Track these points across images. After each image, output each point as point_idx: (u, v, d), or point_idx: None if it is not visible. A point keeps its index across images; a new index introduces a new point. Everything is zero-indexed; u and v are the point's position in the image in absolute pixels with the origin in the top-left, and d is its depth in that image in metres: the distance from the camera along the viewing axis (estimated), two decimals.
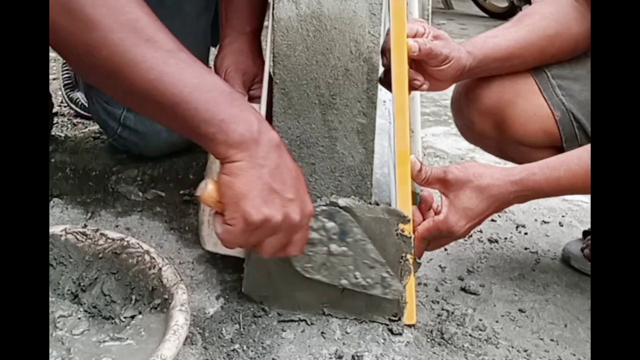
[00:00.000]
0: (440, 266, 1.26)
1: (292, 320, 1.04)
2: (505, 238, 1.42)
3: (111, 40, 0.73)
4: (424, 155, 1.87)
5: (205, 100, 0.77)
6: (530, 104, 1.15)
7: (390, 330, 1.03)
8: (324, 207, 0.98)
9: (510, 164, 1.21)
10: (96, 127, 1.77)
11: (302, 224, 0.85)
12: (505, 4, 5.06)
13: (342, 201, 1.00)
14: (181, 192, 1.44)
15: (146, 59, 0.74)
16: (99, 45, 0.73)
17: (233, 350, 0.98)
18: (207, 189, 0.82)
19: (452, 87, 1.18)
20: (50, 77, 2.11)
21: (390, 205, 1.04)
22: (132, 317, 0.92)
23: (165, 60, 0.75)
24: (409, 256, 1.01)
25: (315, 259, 1.00)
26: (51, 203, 1.33)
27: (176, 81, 0.75)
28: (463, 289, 1.19)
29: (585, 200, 1.63)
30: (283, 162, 0.82)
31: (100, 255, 0.97)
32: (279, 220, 0.81)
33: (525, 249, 1.38)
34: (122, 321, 0.92)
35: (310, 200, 0.88)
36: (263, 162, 0.79)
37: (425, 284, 1.19)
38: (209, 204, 0.83)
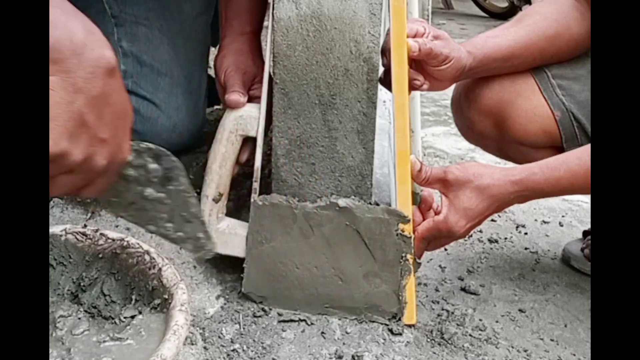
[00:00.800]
0: (440, 266, 1.26)
1: (292, 320, 1.04)
2: (505, 238, 1.42)
3: None
4: (424, 155, 1.87)
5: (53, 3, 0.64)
6: (530, 103, 1.15)
7: (390, 330, 1.03)
8: (151, 147, 0.85)
9: (510, 164, 1.21)
10: None
11: (107, 169, 0.73)
12: (505, 4, 5.06)
13: (342, 202, 1.00)
14: None
15: None
16: None
17: (233, 350, 0.98)
18: None
19: (452, 87, 1.18)
20: None
21: (390, 205, 1.04)
22: (132, 317, 0.92)
23: None
24: (409, 256, 1.01)
25: (126, 195, 0.85)
26: (51, 203, 1.33)
27: None
28: (463, 289, 1.19)
29: (585, 200, 1.63)
30: (109, 92, 0.69)
31: (100, 255, 0.97)
32: (77, 160, 0.68)
33: (525, 249, 1.38)
34: (122, 321, 0.92)
35: (129, 146, 0.76)
36: (82, 85, 0.66)
37: (425, 284, 1.19)
38: None
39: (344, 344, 1.01)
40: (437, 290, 1.18)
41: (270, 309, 1.06)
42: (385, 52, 1.00)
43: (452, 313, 1.10)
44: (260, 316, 1.05)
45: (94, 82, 0.67)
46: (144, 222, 0.88)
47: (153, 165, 0.85)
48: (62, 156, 0.67)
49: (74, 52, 0.66)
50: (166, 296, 0.90)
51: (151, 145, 0.84)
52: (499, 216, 1.51)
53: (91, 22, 0.69)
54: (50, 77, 0.65)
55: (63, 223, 1.27)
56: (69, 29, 0.66)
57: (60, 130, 0.66)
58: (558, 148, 1.15)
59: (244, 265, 1.06)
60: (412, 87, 1.03)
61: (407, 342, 1.02)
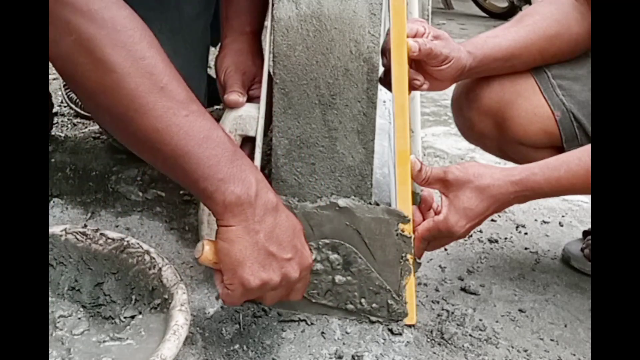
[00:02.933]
0: (440, 266, 1.26)
1: (292, 320, 1.04)
2: (505, 238, 1.42)
3: (127, 84, 0.73)
4: (424, 155, 1.87)
5: (208, 156, 0.77)
6: (530, 104, 1.15)
7: (390, 330, 1.03)
8: (327, 241, 1.00)
9: (510, 164, 1.21)
10: (96, 127, 1.77)
11: (301, 277, 0.87)
12: (505, 4, 5.06)
13: (342, 202, 1.00)
14: (181, 192, 1.43)
15: (157, 107, 0.74)
16: (114, 88, 0.73)
17: (233, 350, 0.98)
18: (204, 252, 0.84)
19: (452, 87, 1.18)
20: (50, 77, 2.11)
21: (390, 205, 1.04)
22: (132, 317, 0.92)
23: (176, 111, 0.76)
24: (409, 256, 1.01)
25: (321, 286, 1.03)
26: (51, 203, 1.33)
27: (184, 133, 0.76)
28: (463, 289, 1.19)
29: (585, 200, 1.63)
30: (279, 223, 0.83)
31: (100, 255, 0.97)
32: (277, 282, 0.84)
33: (525, 249, 1.38)
34: (122, 321, 0.92)
35: (309, 252, 0.89)
36: (258, 227, 0.81)
37: (425, 284, 1.19)
38: (208, 265, 0.85)
39: (344, 344, 1.00)
40: (437, 290, 1.18)
41: (270, 309, 1.06)
42: (385, 52, 1.00)
43: (452, 313, 1.10)
44: (260, 316, 1.05)
45: (267, 221, 0.82)
46: (343, 303, 1.04)
47: (334, 256, 1.01)
48: (265, 284, 0.83)
49: (250, 203, 0.80)
50: (166, 296, 0.90)
51: (327, 240, 1.01)
52: (499, 216, 1.51)
53: (258, 171, 0.83)
54: (235, 227, 0.80)
55: (63, 223, 1.27)
56: (247, 185, 0.80)
57: (256, 267, 0.81)
58: (558, 148, 1.15)
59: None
60: (412, 87, 1.03)
61: (407, 342, 1.02)
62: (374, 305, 1.03)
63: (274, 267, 0.83)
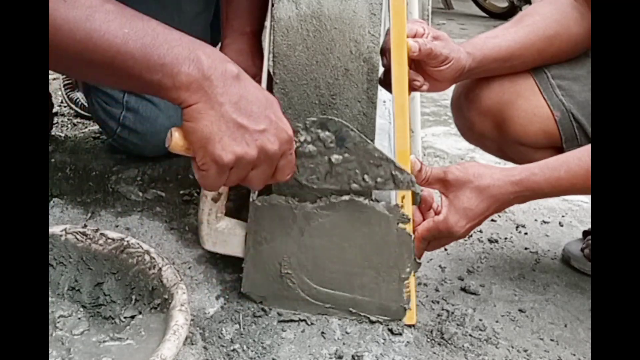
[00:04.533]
0: (440, 266, 1.26)
1: (292, 320, 1.04)
2: (505, 238, 1.42)
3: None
4: (424, 155, 1.88)
5: (140, 47, 0.73)
6: (530, 104, 1.15)
7: (390, 330, 1.03)
8: (314, 119, 0.96)
9: (510, 164, 1.21)
10: (96, 127, 1.77)
11: (282, 150, 0.82)
12: (505, 4, 5.06)
13: (343, 197, 1.00)
14: (181, 192, 1.44)
15: (68, 20, 0.71)
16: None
17: (233, 350, 0.98)
18: (174, 138, 0.79)
19: (452, 87, 1.18)
20: (50, 77, 2.11)
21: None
22: (132, 317, 0.92)
23: (88, 17, 0.71)
24: (409, 253, 1.01)
25: (319, 169, 0.98)
26: (51, 203, 1.33)
27: (104, 35, 0.72)
28: (463, 289, 1.19)
29: (585, 200, 1.63)
30: (245, 93, 0.78)
31: (100, 255, 0.97)
32: (254, 155, 0.78)
33: (525, 249, 1.38)
34: (122, 321, 0.92)
35: (289, 122, 0.84)
36: (221, 99, 0.75)
37: (425, 284, 1.19)
38: (179, 151, 0.80)
39: (344, 344, 1.01)
40: (437, 290, 1.18)
41: (270, 309, 1.06)
42: (385, 52, 1.00)
43: (452, 313, 1.10)
44: (260, 316, 1.05)
45: (230, 92, 0.76)
46: (346, 184, 0.99)
47: (324, 133, 0.96)
48: (240, 158, 0.77)
49: (204, 77, 0.75)
50: (166, 296, 0.90)
51: (313, 118, 0.95)
52: (499, 216, 1.51)
53: (207, 44, 0.77)
54: (195, 106, 0.75)
55: (63, 223, 1.27)
56: (194, 60, 0.74)
57: (226, 140, 0.76)
58: (558, 148, 1.15)
59: (243, 265, 1.06)
60: (412, 88, 1.03)
61: (407, 342, 1.02)
62: (378, 179, 0.99)
63: (247, 139, 0.77)
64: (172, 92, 0.75)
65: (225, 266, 1.17)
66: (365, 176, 0.99)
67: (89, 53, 0.72)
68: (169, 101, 0.77)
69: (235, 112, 0.76)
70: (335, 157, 0.97)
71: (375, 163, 0.98)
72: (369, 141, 0.97)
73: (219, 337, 1.00)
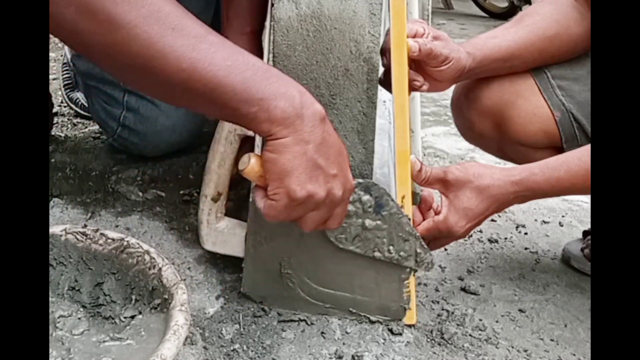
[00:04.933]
0: (440, 266, 1.26)
1: (292, 320, 1.04)
2: (505, 238, 1.42)
3: (137, 36, 0.71)
4: (424, 155, 1.87)
5: (241, 80, 0.75)
6: (530, 104, 1.15)
7: (390, 330, 1.03)
8: (360, 181, 0.98)
9: (510, 164, 1.21)
10: (96, 127, 1.77)
11: (343, 198, 0.85)
12: (505, 4, 5.06)
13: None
14: (181, 192, 1.44)
15: (175, 48, 0.72)
16: (127, 43, 0.71)
17: (233, 350, 0.98)
18: (251, 164, 0.81)
19: (452, 87, 1.18)
20: (50, 77, 2.11)
21: None
22: (132, 317, 0.92)
23: (194, 47, 0.74)
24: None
25: (350, 230, 0.99)
26: (51, 203, 1.33)
27: (208, 66, 0.74)
28: (463, 289, 1.19)
29: (585, 200, 1.63)
30: (327, 137, 0.81)
31: (100, 255, 0.97)
32: (322, 197, 0.81)
33: (525, 249, 1.38)
34: (122, 321, 0.92)
35: (352, 175, 0.88)
36: (308, 138, 0.78)
37: (425, 284, 1.19)
38: (251, 178, 0.83)
39: (344, 344, 1.00)
40: (437, 290, 1.18)
41: (270, 309, 1.06)
42: (385, 52, 1.00)
43: (452, 313, 1.10)
44: (260, 316, 1.05)
45: (316, 132, 0.79)
46: (371, 250, 1.01)
47: (366, 197, 0.98)
48: (310, 197, 0.80)
49: (297, 115, 0.78)
50: (166, 296, 0.90)
51: (360, 180, 0.98)
52: (499, 216, 1.51)
53: (297, 83, 0.81)
54: (284, 139, 0.78)
55: (63, 223, 1.27)
56: (289, 97, 0.77)
57: (303, 177, 0.79)
58: (558, 148, 1.15)
59: (243, 265, 1.06)
60: (412, 88, 1.03)
61: (407, 342, 1.02)
62: (401, 253, 1.00)
63: (320, 180, 0.81)
64: (265, 124, 0.77)
65: (225, 266, 1.17)
66: (391, 247, 1.00)
67: (192, 82, 0.74)
68: (256, 132, 0.80)
69: (316, 152, 0.79)
70: (368, 222, 0.99)
71: (404, 237, 1.00)
72: (404, 214, 0.99)
73: (219, 337, 1.00)
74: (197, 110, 0.83)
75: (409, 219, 0.99)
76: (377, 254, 1.01)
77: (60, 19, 0.69)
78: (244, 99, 0.76)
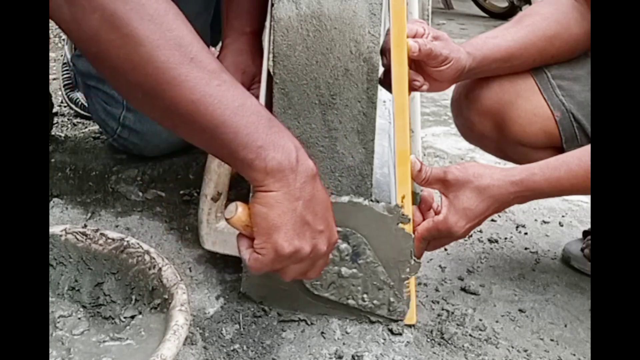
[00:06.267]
0: (440, 266, 1.26)
1: (292, 320, 1.04)
2: (505, 238, 1.42)
3: (157, 57, 0.71)
4: (424, 155, 1.87)
5: (245, 124, 0.76)
6: (530, 104, 1.15)
7: (390, 330, 1.03)
8: (340, 229, 0.98)
9: (510, 164, 1.21)
10: (96, 127, 1.77)
11: (327, 253, 0.86)
12: (505, 4, 5.06)
13: (343, 198, 1.00)
14: (181, 192, 1.44)
15: (190, 79, 0.72)
16: (144, 62, 0.71)
17: (233, 350, 0.98)
18: (237, 214, 0.82)
19: (452, 87, 1.18)
20: (50, 77, 2.11)
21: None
22: (132, 317, 0.92)
23: (208, 81, 0.74)
24: (409, 254, 1.01)
25: (325, 277, 1.01)
26: (51, 203, 1.33)
27: (218, 103, 0.74)
28: (463, 289, 1.19)
29: (585, 200, 1.63)
30: (317, 193, 0.82)
31: (100, 255, 0.97)
32: (307, 252, 0.82)
33: (525, 249, 1.38)
34: (122, 321, 0.92)
35: (336, 229, 0.88)
36: (299, 194, 0.79)
37: (425, 284, 1.19)
38: (237, 227, 0.83)
39: (344, 344, 1.01)
40: (437, 290, 1.18)
41: (270, 309, 1.06)
42: (385, 52, 1.00)
43: (452, 313, 1.10)
44: (260, 316, 1.05)
45: (306, 189, 0.80)
46: (345, 298, 1.03)
47: (344, 245, 1.00)
48: (297, 252, 0.81)
49: (292, 169, 0.78)
50: (166, 296, 0.90)
51: (339, 229, 0.98)
52: (499, 216, 1.51)
53: (294, 137, 0.81)
54: (276, 192, 0.78)
55: (63, 223, 1.27)
56: (287, 151, 0.78)
57: (291, 233, 0.79)
58: (558, 148, 1.15)
59: (243, 265, 1.06)
60: (412, 88, 1.03)
61: (407, 342, 1.02)
62: (375, 302, 1.02)
63: (307, 236, 0.81)
64: (260, 174, 0.77)
65: (225, 266, 1.17)
66: (365, 295, 1.02)
67: (198, 115, 0.74)
68: (248, 179, 0.80)
69: (305, 209, 0.80)
70: (344, 270, 1.01)
71: (378, 286, 1.02)
72: (380, 264, 1.00)
73: (219, 337, 1.00)
74: (193, 143, 0.82)
75: (384, 270, 1.01)
76: (350, 301, 1.03)
77: (84, 25, 0.69)
78: (244, 143, 0.76)
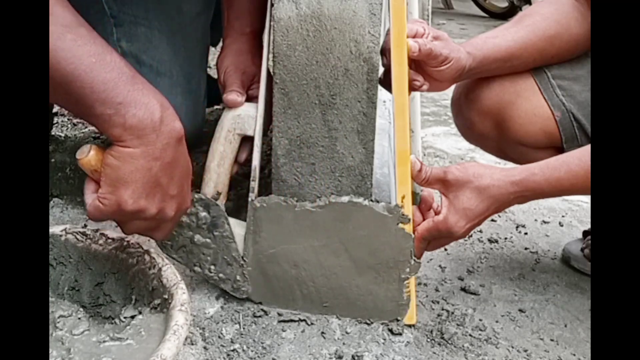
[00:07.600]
0: (440, 266, 1.27)
1: (292, 320, 1.04)
2: (505, 238, 1.42)
3: None
4: (424, 155, 1.87)
5: (102, 80, 0.74)
6: (530, 104, 1.15)
7: (390, 330, 1.03)
8: (202, 197, 1.00)
9: (510, 164, 1.21)
10: None
11: (174, 218, 0.86)
12: (505, 4, 5.06)
13: (343, 198, 1.00)
14: None
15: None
16: None
17: (233, 350, 0.98)
18: (88, 156, 0.79)
19: (452, 87, 1.18)
20: None
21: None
22: (132, 317, 0.92)
23: (60, 35, 0.72)
24: (408, 254, 1.01)
25: (178, 239, 1.02)
26: (51, 203, 1.33)
27: (71, 57, 0.72)
28: (463, 289, 1.19)
29: (585, 200, 1.63)
30: (178, 157, 0.80)
31: (100, 255, 0.97)
32: (152, 213, 0.81)
33: (525, 249, 1.38)
34: (122, 321, 0.92)
35: (191, 196, 0.87)
36: (158, 154, 0.77)
37: (425, 284, 1.19)
38: (85, 169, 0.81)
39: (344, 344, 1.01)
40: (437, 290, 1.18)
41: (270, 309, 1.06)
42: (385, 52, 1.00)
43: (452, 313, 1.10)
44: (260, 316, 1.05)
45: (168, 151, 0.78)
46: (192, 263, 1.03)
47: (203, 213, 1.00)
48: (140, 211, 0.80)
49: (153, 128, 0.76)
50: (166, 296, 0.90)
51: (202, 196, 0.99)
52: (499, 216, 1.51)
53: (163, 96, 0.79)
54: (133, 149, 0.76)
55: (63, 223, 1.27)
56: (150, 109, 0.76)
57: (139, 191, 0.78)
58: (558, 148, 1.15)
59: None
60: (412, 88, 1.03)
61: (407, 342, 1.02)
62: (220, 275, 1.03)
63: (156, 198, 0.80)
64: (117, 129, 0.75)
65: None
66: (212, 267, 1.03)
67: (52, 70, 0.72)
68: (107, 135, 0.77)
69: (162, 170, 0.79)
70: (198, 237, 1.01)
71: (228, 261, 1.03)
72: (235, 240, 1.01)
73: (219, 337, 1.00)
74: (57, 102, 0.79)
75: (236, 247, 1.01)
76: (197, 268, 1.03)
77: None
78: (101, 99, 0.74)
